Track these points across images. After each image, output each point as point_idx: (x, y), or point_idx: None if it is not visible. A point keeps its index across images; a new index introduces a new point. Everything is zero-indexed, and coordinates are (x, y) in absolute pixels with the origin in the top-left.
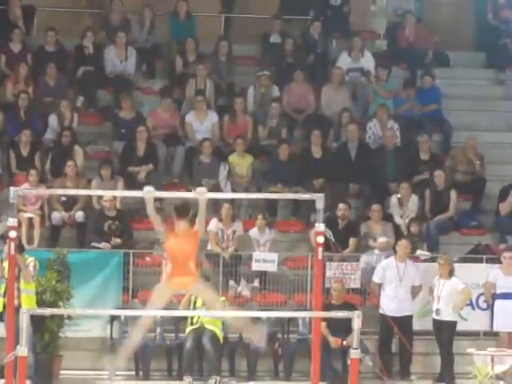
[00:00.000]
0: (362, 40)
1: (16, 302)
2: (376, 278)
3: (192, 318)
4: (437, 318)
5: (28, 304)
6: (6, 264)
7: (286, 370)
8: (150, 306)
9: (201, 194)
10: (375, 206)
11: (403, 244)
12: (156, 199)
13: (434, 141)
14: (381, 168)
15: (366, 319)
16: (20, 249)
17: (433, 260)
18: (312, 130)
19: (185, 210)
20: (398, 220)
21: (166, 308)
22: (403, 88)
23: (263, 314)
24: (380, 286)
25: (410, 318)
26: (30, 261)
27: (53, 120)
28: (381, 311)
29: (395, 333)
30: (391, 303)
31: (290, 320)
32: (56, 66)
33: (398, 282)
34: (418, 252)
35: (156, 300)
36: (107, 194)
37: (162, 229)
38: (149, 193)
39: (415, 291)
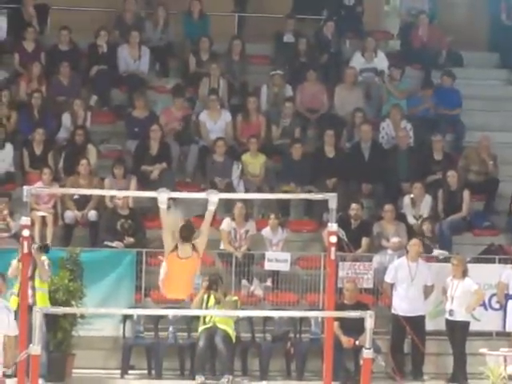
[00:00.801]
0: (375, 40)
1: (31, 300)
2: (388, 278)
3: (204, 317)
4: (450, 318)
5: (43, 303)
6: None
7: (299, 369)
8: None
9: (212, 196)
10: (388, 206)
11: (414, 243)
12: (168, 199)
13: (447, 141)
14: (394, 168)
15: (379, 319)
16: (45, 249)
17: (446, 260)
18: (325, 130)
19: (189, 232)
20: (410, 220)
21: (179, 307)
22: (421, 88)
23: (276, 314)
24: (392, 285)
25: (422, 317)
26: (43, 260)
27: (66, 119)
28: (393, 311)
29: (407, 333)
30: (403, 303)
31: (303, 320)
32: (69, 64)
33: (409, 281)
34: (436, 252)
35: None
36: (120, 193)
37: (169, 241)
38: (162, 195)
39: (427, 291)
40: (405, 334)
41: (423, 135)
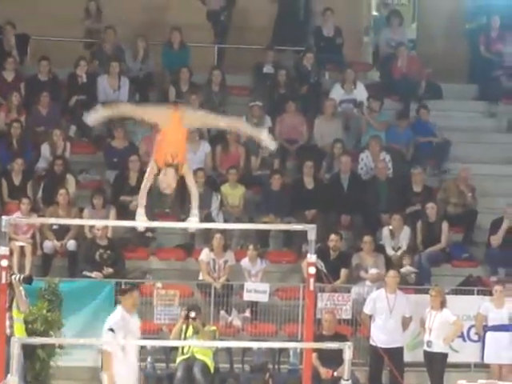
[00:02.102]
0: (354, 71)
1: (9, 331)
2: (366, 310)
3: (183, 347)
4: (428, 349)
5: (20, 333)
6: None
7: None
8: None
9: (192, 224)
10: (367, 238)
11: (391, 275)
12: (148, 229)
13: (428, 173)
14: (373, 199)
15: (357, 350)
16: (28, 280)
17: (424, 291)
18: (304, 161)
19: None
20: (389, 251)
21: (157, 338)
22: (397, 119)
23: (254, 345)
24: (370, 317)
25: (400, 349)
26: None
27: (45, 149)
28: (371, 342)
29: (386, 364)
30: (381, 334)
31: (281, 351)
32: (49, 95)
33: (388, 313)
34: (405, 268)
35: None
36: (100, 223)
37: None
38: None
39: (406, 322)
40: (383, 365)
41: (402, 167)
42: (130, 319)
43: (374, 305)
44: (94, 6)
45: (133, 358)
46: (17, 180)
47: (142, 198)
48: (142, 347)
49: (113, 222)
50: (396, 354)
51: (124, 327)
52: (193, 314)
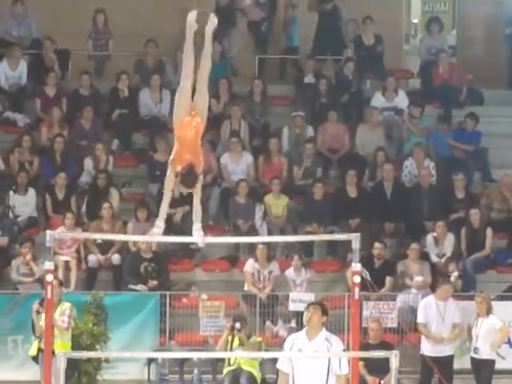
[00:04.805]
0: (395, 79)
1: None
2: (420, 319)
3: (229, 359)
4: (475, 356)
5: (62, 349)
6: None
7: None
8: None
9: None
10: (414, 245)
11: (446, 288)
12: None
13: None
14: (416, 207)
15: (404, 358)
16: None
17: (470, 298)
18: (347, 170)
19: None
20: (434, 258)
21: (204, 349)
22: (437, 122)
23: (300, 355)
24: (425, 325)
25: (451, 357)
26: (66, 308)
27: (88, 163)
28: (421, 352)
29: (435, 372)
30: (434, 343)
31: None
32: (91, 109)
33: (440, 320)
34: (453, 277)
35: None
36: (147, 239)
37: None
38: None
39: (455, 329)
40: (433, 374)
41: (446, 174)
42: (307, 343)
43: (424, 312)
44: (101, 19)
45: None
46: (60, 194)
47: (164, 210)
48: (188, 359)
49: (170, 238)
50: (446, 362)
51: (296, 349)
52: (238, 326)
